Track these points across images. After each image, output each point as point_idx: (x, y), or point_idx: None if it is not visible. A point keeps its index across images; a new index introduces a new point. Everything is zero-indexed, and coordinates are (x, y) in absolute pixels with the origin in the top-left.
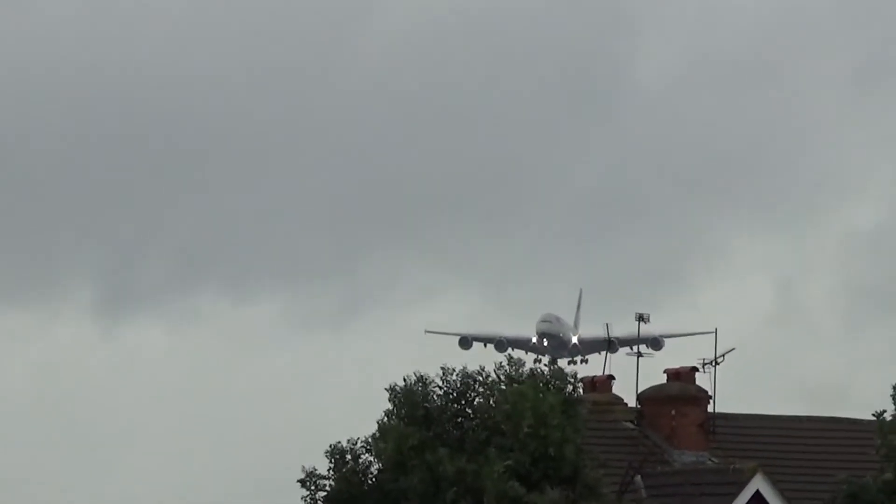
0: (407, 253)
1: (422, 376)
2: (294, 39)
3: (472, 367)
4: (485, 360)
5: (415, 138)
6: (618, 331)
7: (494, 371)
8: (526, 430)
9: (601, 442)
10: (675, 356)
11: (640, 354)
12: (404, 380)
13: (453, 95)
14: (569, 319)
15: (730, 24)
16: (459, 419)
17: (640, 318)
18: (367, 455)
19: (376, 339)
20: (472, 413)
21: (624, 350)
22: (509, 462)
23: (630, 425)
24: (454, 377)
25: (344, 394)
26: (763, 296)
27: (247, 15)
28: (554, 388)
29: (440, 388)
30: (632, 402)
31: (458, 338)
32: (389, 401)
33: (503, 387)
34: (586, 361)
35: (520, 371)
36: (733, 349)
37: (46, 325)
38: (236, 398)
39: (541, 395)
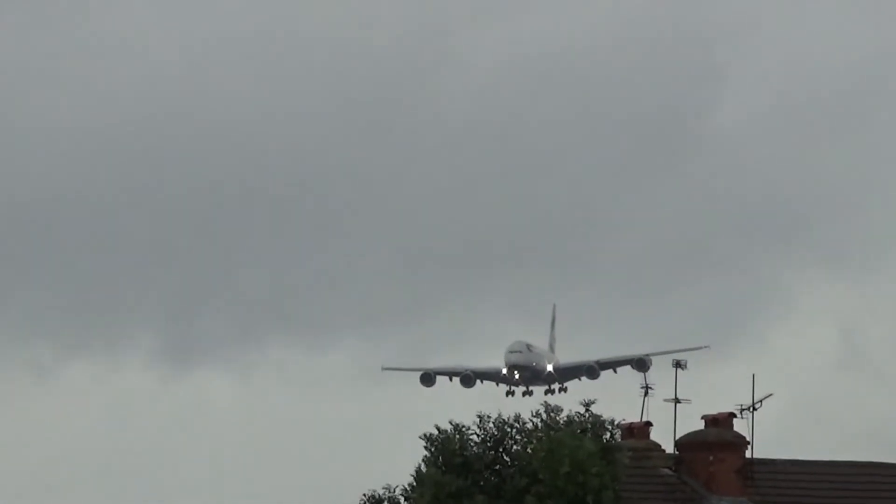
0: (477, 302)
1: (458, 424)
2: (363, 93)
3: (508, 415)
4: (518, 406)
5: (487, 187)
6: (601, 354)
7: (531, 418)
8: (564, 477)
9: (639, 488)
10: (712, 402)
11: (677, 401)
12: (437, 428)
13: (526, 144)
14: (542, 343)
15: (808, 76)
16: (497, 466)
17: (678, 364)
18: (404, 502)
19: (442, 386)
20: (510, 460)
21: (661, 396)
22: None
23: (668, 471)
24: (490, 425)
25: (403, 440)
26: (828, 342)
27: (313, 78)
28: (592, 434)
29: (477, 435)
30: (670, 448)
31: (419, 374)
32: (425, 448)
33: (540, 434)
34: (565, 390)
35: (557, 418)
36: (771, 395)
37: (112, 375)
38: (292, 446)
39: (578, 441)
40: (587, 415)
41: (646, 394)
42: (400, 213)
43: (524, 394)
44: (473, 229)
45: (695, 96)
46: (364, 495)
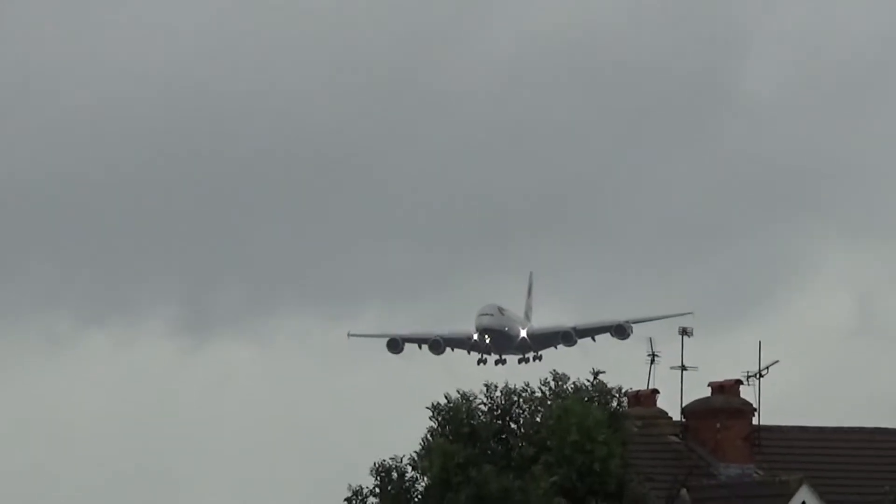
0: (499, 271)
1: (465, 393)
2: (382, 61)
3: (515, 384)
4: (525, 374)
5: (509, 156)
6: (577, 320)
7: (540, 386)
8: (571, 445)
9: (646, 456)
10: (718, 369)
11: (683, 368)
12: (446, 397)
13: (547, 113)
14: (518, 310)
15: (835, 41)
16: (504, 436)
17: (684, 331)
18: (412, 472)
19: (460, 356)
20: (517, 429)
21: (667, 363)
22: (555, 478)
23: (675, 439)
24: (498, 394)
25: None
26: (844, 310)
27: (337, 49)
28: (599, 402)
29: (484, 404)
30: (676, 415)
31: (385, 340)
32: (432, 418)
33: (548, 402)
34: (540, 358)
35: (564, 386)
36: (777, 361)
37: (130, 345)
38: (302, 416)
39: (586, 409)
40: (595, 383)
41: (652, 361)
42: (420, 182)
43: (497, 362)
44: (494, 198)
45: (720, 61)
46: (374, 464)
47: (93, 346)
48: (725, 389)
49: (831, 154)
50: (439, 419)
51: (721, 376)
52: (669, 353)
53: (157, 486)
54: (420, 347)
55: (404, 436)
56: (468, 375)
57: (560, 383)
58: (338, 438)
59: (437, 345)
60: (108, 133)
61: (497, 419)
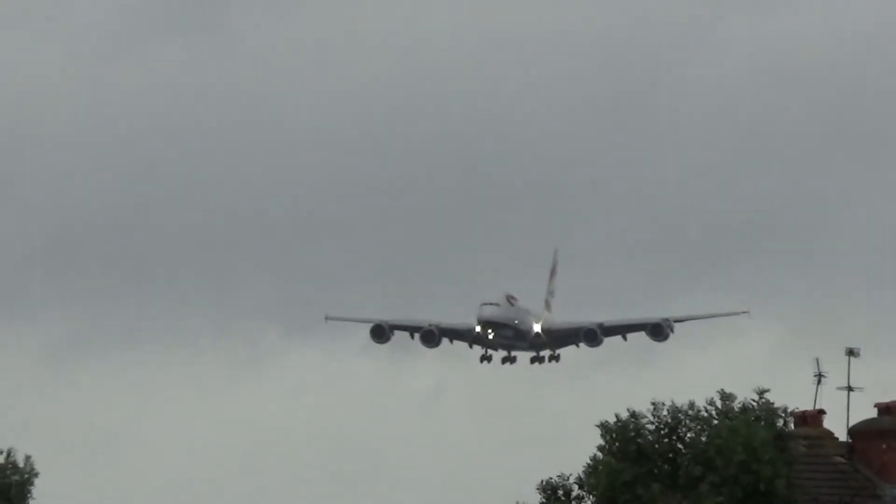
0: (717, 287)
1: (634, 412)
2: (612, 81)
3: (682, 402)
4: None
5: (719, 177)
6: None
7: (706, 406)
8: (737, 465)
9: (812, 477)
10: (885, 389)
11: (850, 389)
12: (616, 416)
13: (764, 134)
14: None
15: None
16: (671, 454)
17: (850, 352)
18: (578, 490)
19: (676, 373)
20: (684, 448)
21: (834, 384)
22: (721, 498)
23: (841, 459)
24: (665, 412)
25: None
26: None
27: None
28: (765, 422)
29: (651, 423)
30: (843, 436)
31: (369, 326)
32: (602, 437)
33: (715, 422)
34: (557, 358)
35: (731, 406)
36: None
37: (330, 359)
38: (486, 430)
39: (752, 430)
40: (761, 402)
41: (819, 382)
42: (642, 197)
43: (504, 360)
44: (712, 216)
45: None
46: (541, 482)
47: (299, 358)
48: (892, 410)
49: None
50: (607, 438)
51: (888, 397)
52: (836, 373)
53: (353, 496)
54: (412, 337)
55: (570, 454)
56: (638, 394)
57: (727, 402)
58: (514, 454)
59: (431, 336)
60: (321, 153)
61: (664, 438)
